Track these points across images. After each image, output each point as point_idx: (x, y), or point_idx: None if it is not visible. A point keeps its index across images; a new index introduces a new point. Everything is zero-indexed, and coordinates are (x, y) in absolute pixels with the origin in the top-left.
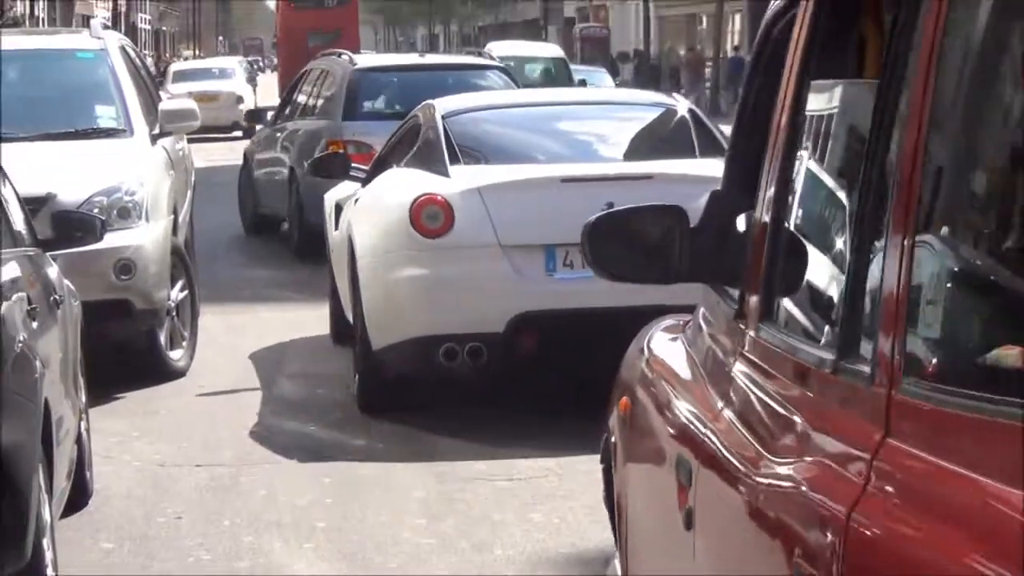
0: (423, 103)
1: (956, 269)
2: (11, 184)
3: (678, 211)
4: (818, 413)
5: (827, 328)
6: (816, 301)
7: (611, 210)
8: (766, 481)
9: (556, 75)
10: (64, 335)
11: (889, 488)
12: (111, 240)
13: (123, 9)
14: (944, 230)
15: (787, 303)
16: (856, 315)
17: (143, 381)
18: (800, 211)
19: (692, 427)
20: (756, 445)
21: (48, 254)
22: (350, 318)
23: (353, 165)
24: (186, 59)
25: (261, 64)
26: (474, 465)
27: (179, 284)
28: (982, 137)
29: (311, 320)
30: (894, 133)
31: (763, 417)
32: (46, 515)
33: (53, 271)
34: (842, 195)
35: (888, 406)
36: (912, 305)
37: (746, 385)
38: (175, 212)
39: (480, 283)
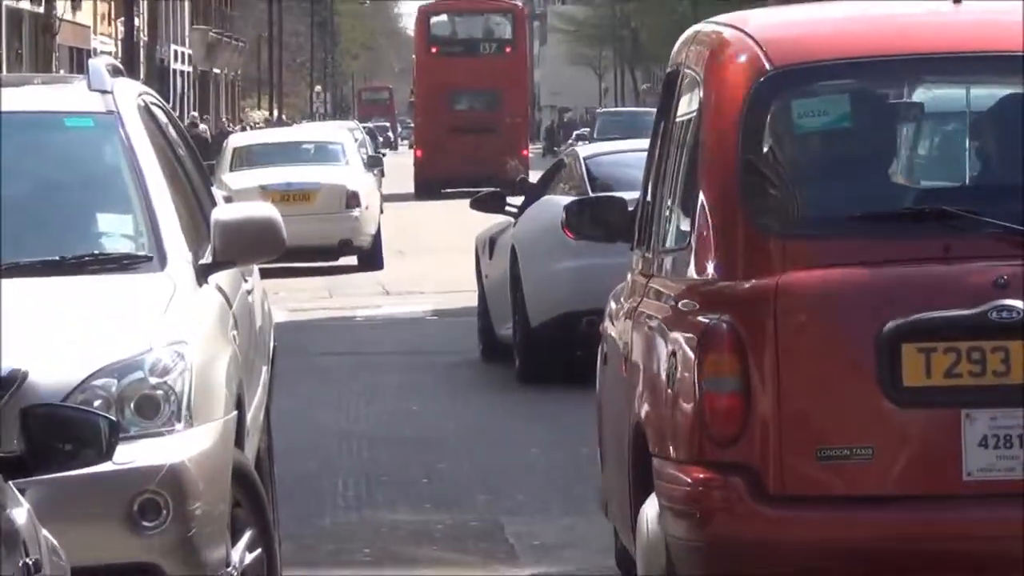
0: (569, 150)
1: (672, 222)
2: None
3: (621, 200)
4: (644, 275)
5: (649, 243)
6: (646, 235)
7: (580, 197)
8: (625, 309)
9: None
10: None
11: (650, 299)
12: (127, 457)
13: (142, 38)
14: (675, 201)
15: (643, 237)
16: (654, 239)
17: None
18: (651, 194)
19: (612, 309)
20: (625, 301)
21: (14, 483)
22: (499, 332)
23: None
24: (256, 125)
25: (391, 136)
26: None
27: (247, 537)
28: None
29: None
30: (667, 156)
31: (632, 284)
32: None
33: (23, 515)
34: (655, 187)
35: (650, 266)
36: (661, 238)
37: (633, 278)
38: (240, 406)
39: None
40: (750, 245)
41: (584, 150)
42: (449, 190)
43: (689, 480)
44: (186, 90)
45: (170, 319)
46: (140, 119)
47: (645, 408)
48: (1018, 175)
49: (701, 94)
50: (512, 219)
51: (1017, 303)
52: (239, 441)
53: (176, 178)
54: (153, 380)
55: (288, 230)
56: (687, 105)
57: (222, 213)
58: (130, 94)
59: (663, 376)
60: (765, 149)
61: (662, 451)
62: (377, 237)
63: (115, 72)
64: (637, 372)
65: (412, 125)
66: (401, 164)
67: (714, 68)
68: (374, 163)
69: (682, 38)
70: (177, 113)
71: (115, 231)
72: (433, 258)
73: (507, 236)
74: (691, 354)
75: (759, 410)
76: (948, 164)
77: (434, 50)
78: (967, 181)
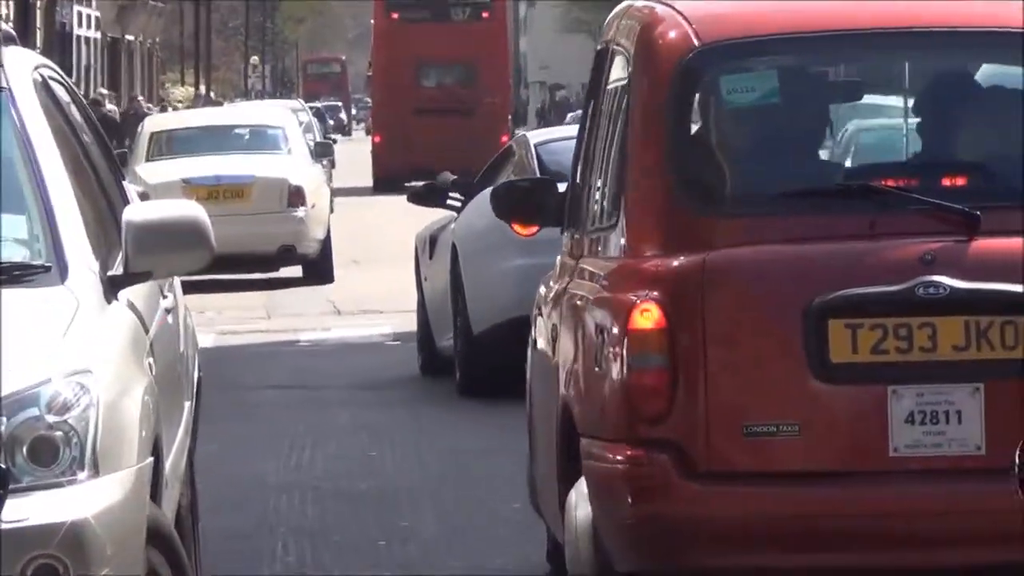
0: (518, 136)
1: (601, 201)
2: None
3: (551, 182)
4: (571, 255)
5: (579, 224)
6: (575, 216)
7: (510, 180)
8: (554, 291)
9: None
10: None
11: (579, 279)
12: (18, 513)
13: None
14: (604, 180)
15: (573, 218)
16: (583, 220)
17: None
18: (580, 175)
19: (541, 294)
20: (555, 284)
21: None
22: (440, 343)
23: (450, 195)
24: (178, 106)
25: (344, 118)
26: None
27: None
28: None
29: None
30: (596, 135)
31: (561, 267)
32: None
33: None
34: (585, 167)
35: (579, 247)
36: (590, 218)
37: (563, 260)
38: (156, 450)
39: None
40: (678, 222)
41: (535, 136)
42: (414, 184)
43: (617, 458)
44: (93, 61)
45: (71, 343)
46: (36, 97)
47: (573, 388)
48: (947, 152)
49: (630, 70)
50: (455, 214)
51: (943, 279)
52: (155, 494)
53: (80, 170)
54: (51, 419)
55: (217, 234)
56: (616, 82)
57: (136, 213)
58: (24, 67)
59: (591, 355)
60: (694, 126)
61: (590, 430)
62: (326, 243)
63: (6, 39)
64: (565, 352)
65: (370, 105)
66: (356, 152)
67: (643, 44)
68: (323, 151)
69: (612, 14)
70: (82, 90)
71: (5, 235)
72: (394, 269)
73: (448, 233)
74: (618, 331)
75: (687, 387)
76: (878, 141)
77: (395, 15)
78: (897, 158)
